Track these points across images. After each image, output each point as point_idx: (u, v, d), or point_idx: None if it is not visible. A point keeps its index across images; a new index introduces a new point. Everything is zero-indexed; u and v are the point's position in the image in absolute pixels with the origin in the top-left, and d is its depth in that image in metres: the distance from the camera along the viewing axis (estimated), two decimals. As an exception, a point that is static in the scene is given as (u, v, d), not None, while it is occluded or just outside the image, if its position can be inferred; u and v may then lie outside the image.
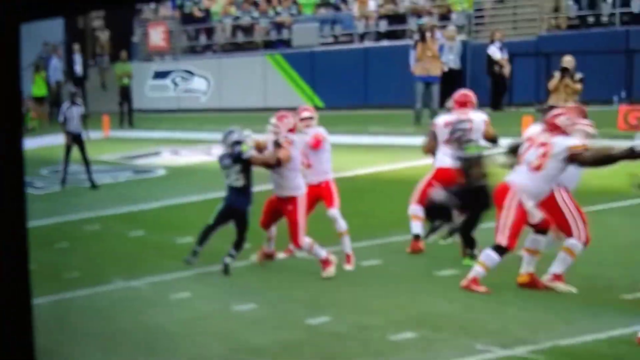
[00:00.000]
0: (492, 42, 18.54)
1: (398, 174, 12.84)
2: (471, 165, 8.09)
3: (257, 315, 7.04)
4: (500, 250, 7.28)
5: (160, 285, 8.06)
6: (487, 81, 18.58)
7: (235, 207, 8.24)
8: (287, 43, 23.90)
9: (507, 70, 18.35)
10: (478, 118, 8.60)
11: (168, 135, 20.04)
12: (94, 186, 13.78)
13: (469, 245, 8.29)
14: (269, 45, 24.50)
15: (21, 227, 1.82)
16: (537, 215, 7.22)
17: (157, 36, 26.56)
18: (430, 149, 8.86)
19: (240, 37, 25.21)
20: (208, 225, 8.32)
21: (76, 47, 25.14)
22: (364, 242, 8.97)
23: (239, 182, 8.18)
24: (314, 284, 7.93)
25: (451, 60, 19.02)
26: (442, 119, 8.81)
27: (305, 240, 8.13)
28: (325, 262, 8.12)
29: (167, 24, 26.57)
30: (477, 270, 7.38)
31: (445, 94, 18.17)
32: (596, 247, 7.93)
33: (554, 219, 7.38)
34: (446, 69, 18.52)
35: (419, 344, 6.22)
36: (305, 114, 8.60)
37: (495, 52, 18.35)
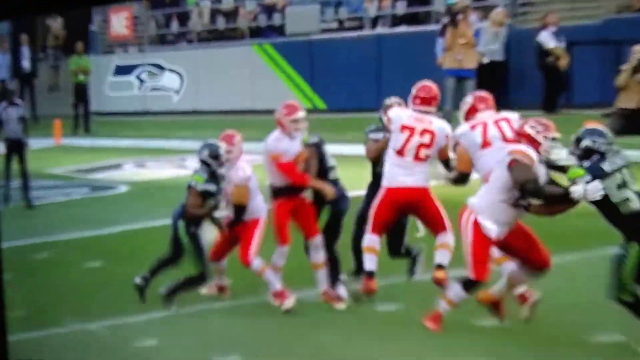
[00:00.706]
0: (544, 27, 18.41)
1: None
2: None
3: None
4: (467, 285, 7.47)
5: (121, 330, 8.13)
6: (538, 76, 18.42)
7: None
8: (279, 30, 24.08)
9: (564, 62, 18.19)
10: (440, 128, 8.17)
11: (132, 144, 20.28)
12: (30, 206, 14.09)
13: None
14: (256, 33, 24.73)
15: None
16: (492, 230, 7.30)
17: (119, 24, 27.08)
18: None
19: (221, 24, 25.51)
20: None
21: (23, 38, 25.52)
22: (379, 280, 8.61)
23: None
24: (313, 332, 7.89)
25: (496, 50, 18.74)
26: (401, 118, 8.25)
27: (257, 261, 8.51)
28: (280, 295, 8.38)
29: (132, 9, 26.95)
30: (441, 305, 7.60)
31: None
32: None
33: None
34: (486, 61, 18.25)
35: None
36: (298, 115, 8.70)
37: (548, 39, 18.22)
